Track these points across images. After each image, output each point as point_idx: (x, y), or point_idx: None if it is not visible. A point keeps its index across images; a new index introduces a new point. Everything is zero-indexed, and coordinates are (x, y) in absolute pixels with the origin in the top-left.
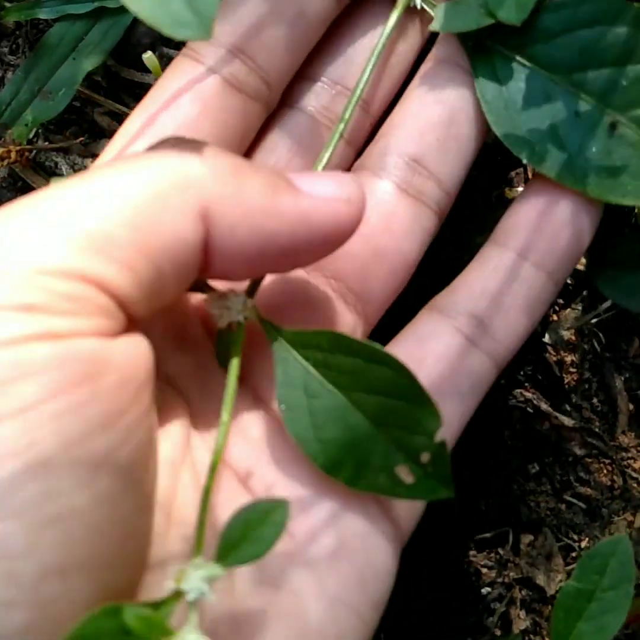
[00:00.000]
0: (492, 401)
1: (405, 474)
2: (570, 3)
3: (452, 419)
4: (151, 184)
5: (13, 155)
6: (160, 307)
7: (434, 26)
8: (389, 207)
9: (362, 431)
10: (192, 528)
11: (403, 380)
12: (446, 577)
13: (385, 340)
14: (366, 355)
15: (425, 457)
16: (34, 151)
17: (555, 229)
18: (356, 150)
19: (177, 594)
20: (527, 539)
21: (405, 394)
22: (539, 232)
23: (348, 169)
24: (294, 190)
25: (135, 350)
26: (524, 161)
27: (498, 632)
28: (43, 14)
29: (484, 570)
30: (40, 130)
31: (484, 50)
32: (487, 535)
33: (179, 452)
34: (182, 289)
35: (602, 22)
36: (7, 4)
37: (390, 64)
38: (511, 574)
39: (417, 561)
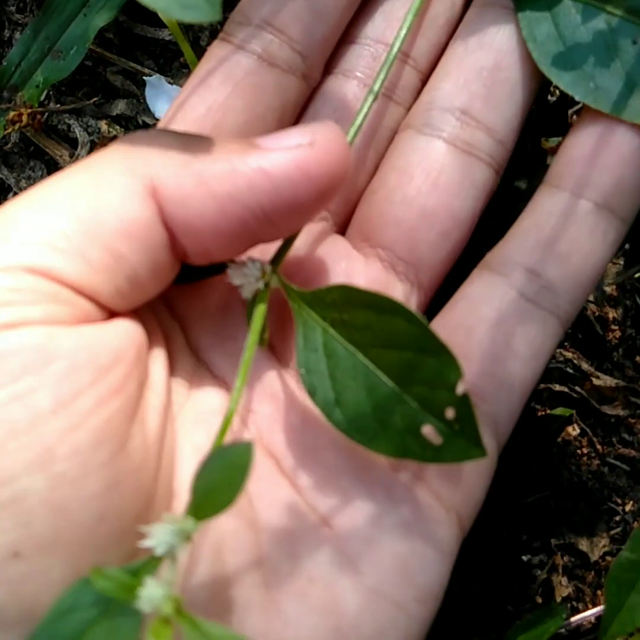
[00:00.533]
0: None
1: (432, 435)
2: None
3: (512, 386)
4: (92, 171)
5: (24, 118)
6: (147, 294)
7: None
8: (435, 164)
9: (382, 390)
10: None
11: (415, 330)
12: (487, 545)
13: None
14: (376, 306)
15: (450, 413)
16: (46, 114)
17: (615, 160)
18: (407, 109)
19: (157, 558)
20: (568, 503)
21: (420, 344)
22: (596, 166)
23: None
24: (252, 149)
25: (103, 335)
26: (577, 98)
27: (540, 600)
28: None
29: (525, 536)
30: (51, 92)
31: None
32: (528, 500)
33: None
34: (160, 272)
35: None
36: None
37: (432, 14)
38: (553, 540)
39: None
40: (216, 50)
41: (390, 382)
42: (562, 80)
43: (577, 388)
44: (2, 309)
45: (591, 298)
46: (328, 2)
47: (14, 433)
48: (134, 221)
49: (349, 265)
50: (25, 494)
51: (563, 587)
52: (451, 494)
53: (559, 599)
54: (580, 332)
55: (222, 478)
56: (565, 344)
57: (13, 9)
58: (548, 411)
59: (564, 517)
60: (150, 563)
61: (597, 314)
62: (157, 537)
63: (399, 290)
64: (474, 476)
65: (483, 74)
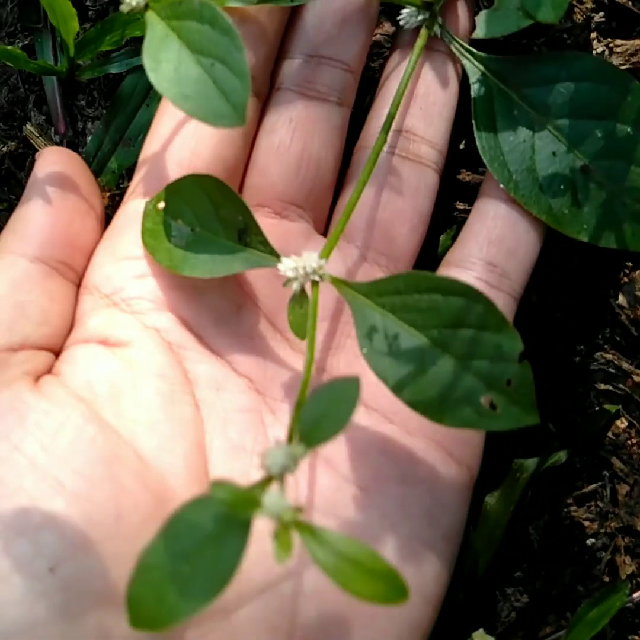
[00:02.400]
0: (574, 366)
1: (489, 405)
2: (564, 58)
3: None
4: None
5: (106, 200)
6: None
7: (478, 34)
8: (396, 173)
9: (444, 366)
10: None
11: (479, 307)
12: (552, 533)
13: None
14: (443, 289)
15: (508, 383)
16: (123, 194)
17: None
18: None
19: (267, 479)
20: (623, 489)
21: (484, 321)
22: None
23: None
24: None
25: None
26: (501, 186)
27: (606, 579)
28: (114, 69)
29: (586, 523)
30: (125, 174)
31: (486, 86)
32: (585, 490)
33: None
34: None
35: (590, 79)
36: (80, 63)
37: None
38: (612, 524)
39: (525, 520)
40: None
41: (451, 359)
42: (494, 169)
43: (620, 385)
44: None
45: (625, 303)
46: (265, 26)
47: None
48: None
49: (341, 262)
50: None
51: (627, 566)
52: (461, 452)
53: (623, 577)
54: (618, 335)
55: (330, 409)
56: (605, 346)
57: (83, 103)
58: (596, 408)
59: (621, 503)
60: (263, 483)
61: (631, 316)
62: (273, 458)
63: None
64: (476, 434)
65: (418, 100)
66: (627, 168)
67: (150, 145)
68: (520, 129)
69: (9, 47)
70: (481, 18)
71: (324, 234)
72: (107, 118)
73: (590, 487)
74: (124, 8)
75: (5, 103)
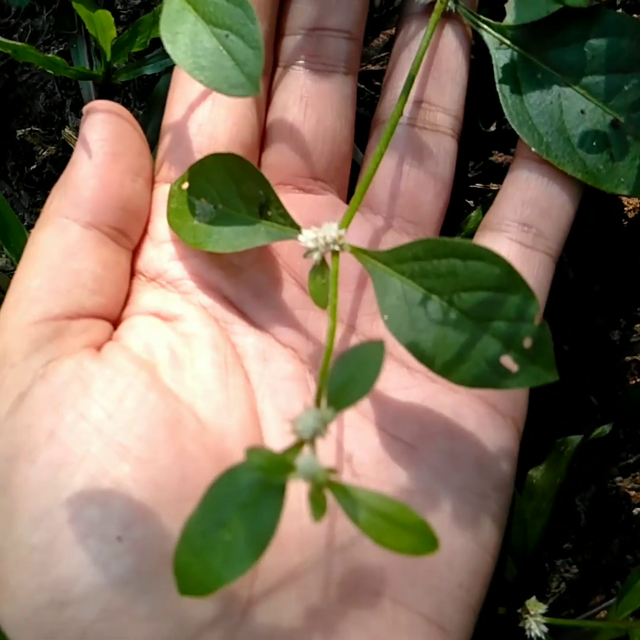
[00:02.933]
0: (614, 339)
1: (509, 364)
2: (583, 14)
3: None
4: None
5: None
6: None
7: (508, 20)
8: (416, 143)
9: (464, 329)
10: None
11: (497, 270)
12: (599, 504)
13: None
14: (462, 253)
15: (527, 342)
16: None
17: None
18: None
19: (299, 444)
20: None
21: (502, 283)
22: None
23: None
24: None
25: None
26: (533, 149)
27: None
28: (148, 70)
29: (632, 492)
30: None
31: (506, 53)
32: (630, 461)
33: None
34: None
35: (610, 34)
36: (115, 66)
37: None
38: None
39: (572, 492)
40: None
41: (470, 322)
42: (523, 133)
43: None
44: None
45: None
46: (262, 1)
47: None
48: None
49: (370, 231)
50: None
51: None
52: (505, 405)
53: None
54: None
55: (356, 373)
56: None
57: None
58: (637, 380)
59: None
60: (294, 448)
61: None
62: (304, 423)
63: None
64: (520, 389)
65: (429, 69)
66: None
67: (167, 134)
68: (545, 91)
69: (49, 55)
70: (511, 5)
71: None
72: (144, 118)
73: (634, 458)
74: None
75: (43, 108)
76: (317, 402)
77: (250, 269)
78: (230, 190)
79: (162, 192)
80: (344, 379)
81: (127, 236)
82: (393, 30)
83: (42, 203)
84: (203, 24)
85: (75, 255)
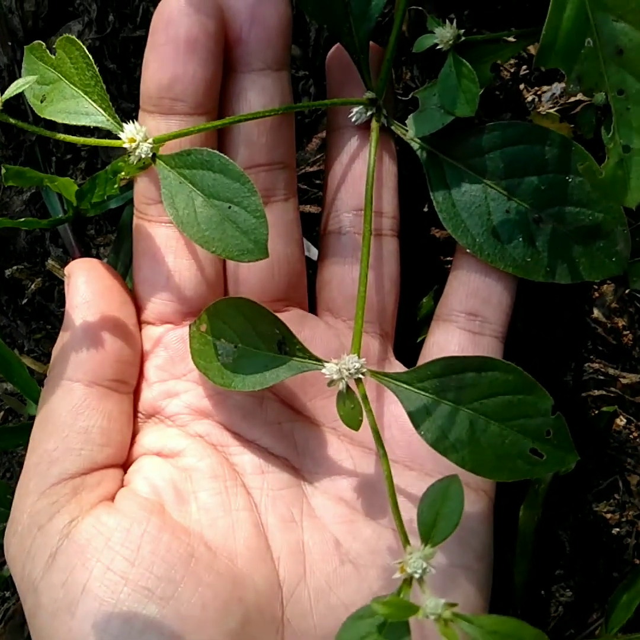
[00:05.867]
0: (568, 379)
1: (537, 454)
2: (498, 126)
3: None
4: None
5: None
6: None
7: (410, 134)
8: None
9: (490, 431)
10: None
11: (511, 376)
12: (580, 530)
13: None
14: (476, 366)
15: (548, 433)
16: None
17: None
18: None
19: (408, 580)
20: (634, 480)
21: (516, 387)
22: None
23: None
24: None
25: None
26: (467, 251)
27: (637, 561)
28: (113, 204)
29: (608, 515)
30: None
31: (435, 163)
32: (601, 487)
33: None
34: None
35: (524, 142)
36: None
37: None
38: (631, 512)
39: (554, 524)
40: None
41: (494, 423)
42: (457, 235)
43: (611, 389)
44: None
45: (600, 317)
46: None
47: None
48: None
49: (334, 338)
50: None
51: None
52: (475, 480)
53: None
54: (600, 345)
55: (442, 508)
56: (591, 357)
57: (93, 232)
58: (595, 412)
59: (634, 492)
60: (404, 587)
61: (608, 326)
62: (414, 565)
63: (376, 345)
64: None
65: (362, 180)
66: (571, 211)
67: (139, 285)
68: (473, 195)
69: (22, 219)
70: (410, 121)
71: (310, 310)
72: (116, 246)
73: (605, 483)
74: (132, 159)
75: (26, 243)
76: (405, 541)
77: (236, 394)
78: (248, 329)
79: (147, 334)
80: (432, 517)
81: (126, 382)
82: (324, 133)
83: (37, 330)
84: (203, 197)
85: (83, 414)
